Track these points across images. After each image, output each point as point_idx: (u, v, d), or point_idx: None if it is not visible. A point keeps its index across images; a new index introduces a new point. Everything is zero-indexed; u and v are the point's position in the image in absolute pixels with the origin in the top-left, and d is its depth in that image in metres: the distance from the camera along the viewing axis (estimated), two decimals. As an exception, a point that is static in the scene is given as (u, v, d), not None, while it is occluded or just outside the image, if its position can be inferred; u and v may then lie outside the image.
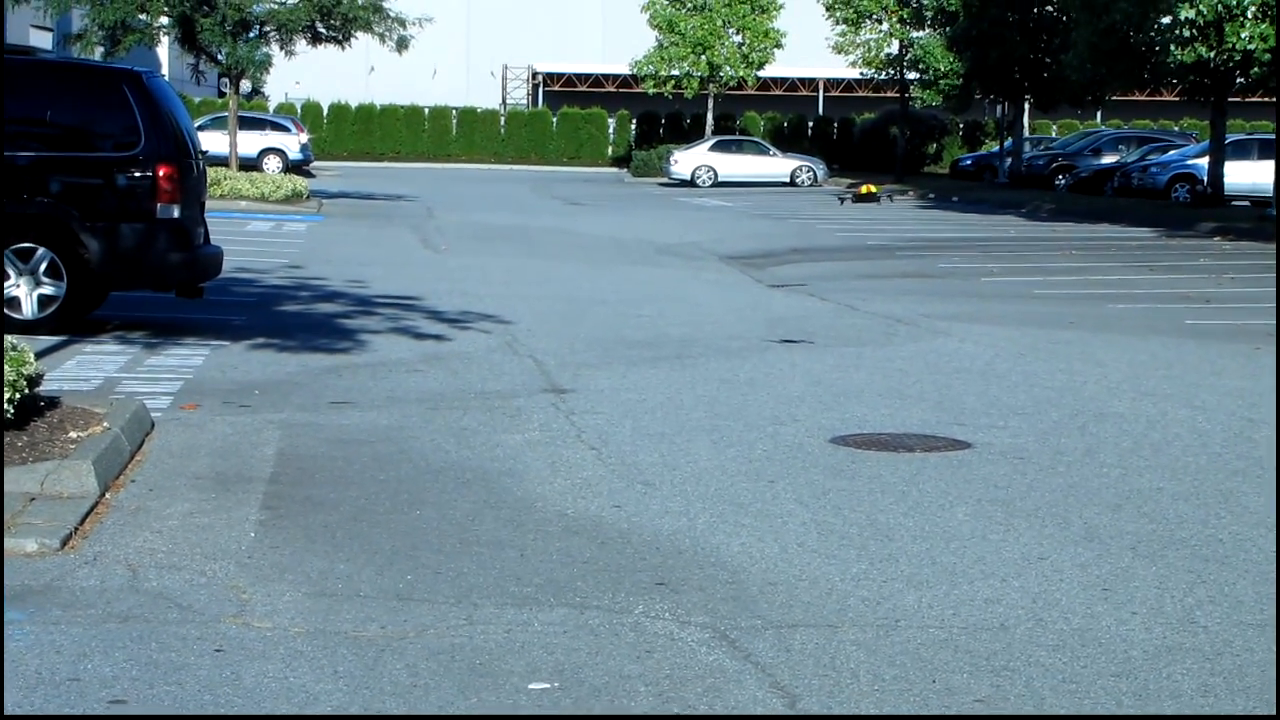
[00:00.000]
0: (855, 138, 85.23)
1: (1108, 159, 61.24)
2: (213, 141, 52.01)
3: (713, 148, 69.76)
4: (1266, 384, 15.81)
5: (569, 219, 43.33)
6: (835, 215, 47.56)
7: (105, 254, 16.97)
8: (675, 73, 74.59)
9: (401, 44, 44.84)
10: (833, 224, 43.22)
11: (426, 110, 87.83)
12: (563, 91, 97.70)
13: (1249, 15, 39.70)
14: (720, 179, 67.42)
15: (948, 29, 63.00)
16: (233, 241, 25.65)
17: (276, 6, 44.52)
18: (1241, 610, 8.16)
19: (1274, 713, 6.75)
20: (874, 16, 69.77)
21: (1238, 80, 44.60)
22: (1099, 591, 8.44)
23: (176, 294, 17.96)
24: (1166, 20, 42.02)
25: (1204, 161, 50.01)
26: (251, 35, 44.49)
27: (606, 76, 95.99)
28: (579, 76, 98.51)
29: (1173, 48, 41.23)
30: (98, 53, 42.52)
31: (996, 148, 71.06)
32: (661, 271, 28.29)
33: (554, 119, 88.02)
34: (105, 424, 11.00)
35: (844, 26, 70.38)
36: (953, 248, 35.03)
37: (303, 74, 79.31)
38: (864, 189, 56.20)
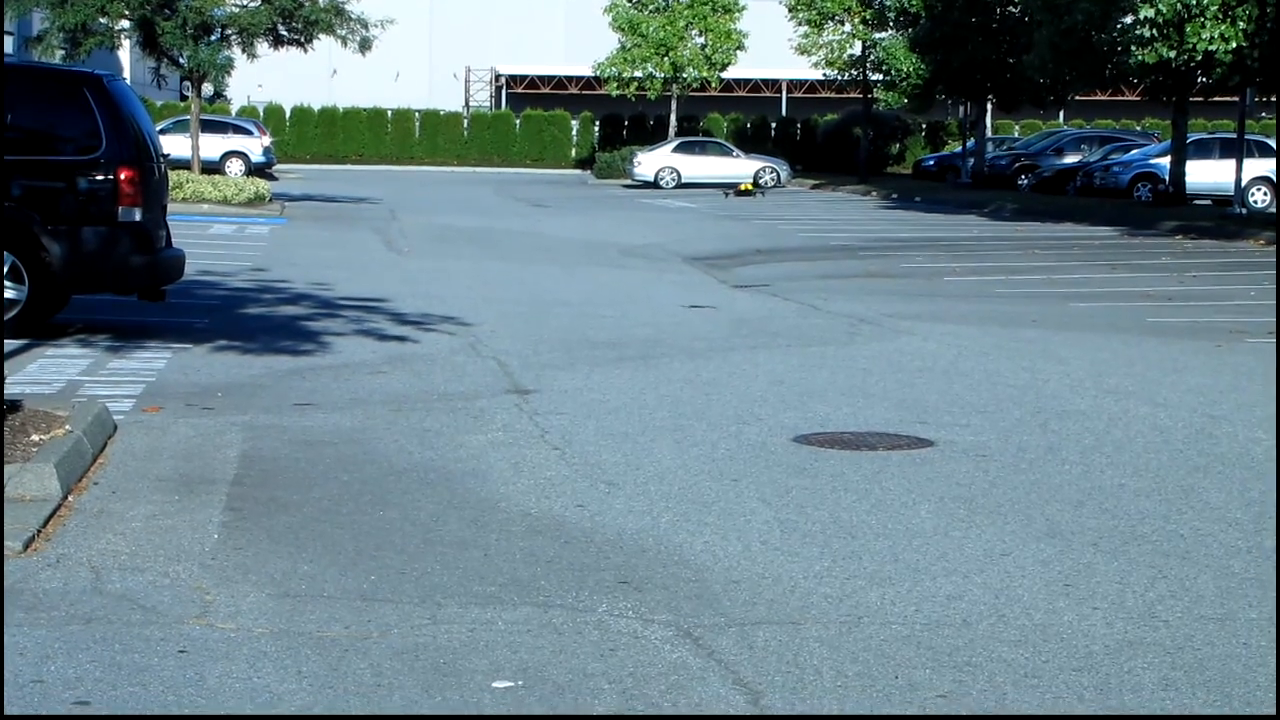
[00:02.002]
0: (818, 139, 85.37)
1: (1070, 159, 61.46)
2: (175, 145, 51.92)
3: (676, 149, 69.76)
4: (1227, 381, 15.89)
5: (532, 221, 43.32)
6: (799, 216, 47.61)
7: (67, 257, 16.92)
8: (638, 74, 74.64)
9: (364, 45, 44.77)
10: (796, 225, 43.28)
11: (389, 113, 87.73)
12: (526, 93, 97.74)
13: (1209, 15, 39.85)
14: (684, 180, 67.43)
15: (910, 30, 63.13)
16: (195, 244, 25.58)
17: (238, 9, 44.41)
18: (1202, 605, 8.20)
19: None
20: (836, 18, 69.85)
21: (1199, 80, 44.77)
22: (1061, 587, 8.48)
23: (139, 297, 17.92)
24: (1128, 20, 42.15)
25: (1166, 161, 50.19)
26: (213, 38, 44.39)
27: (570, 78, 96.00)
28: (542, 78, 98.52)
29: (1134, 48, 41.35)
30: (58, 55, 42.38)
31: (959, 148, 71.24)
32: (625, 273, 28.31)
33: (517, 121, 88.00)
34: (67, 427, 10.97)
35: (806, 28, 70.45)
36: (915, 247, 35.12)
37: (265, 77, 79.12)
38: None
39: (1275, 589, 8.43)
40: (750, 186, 63.15)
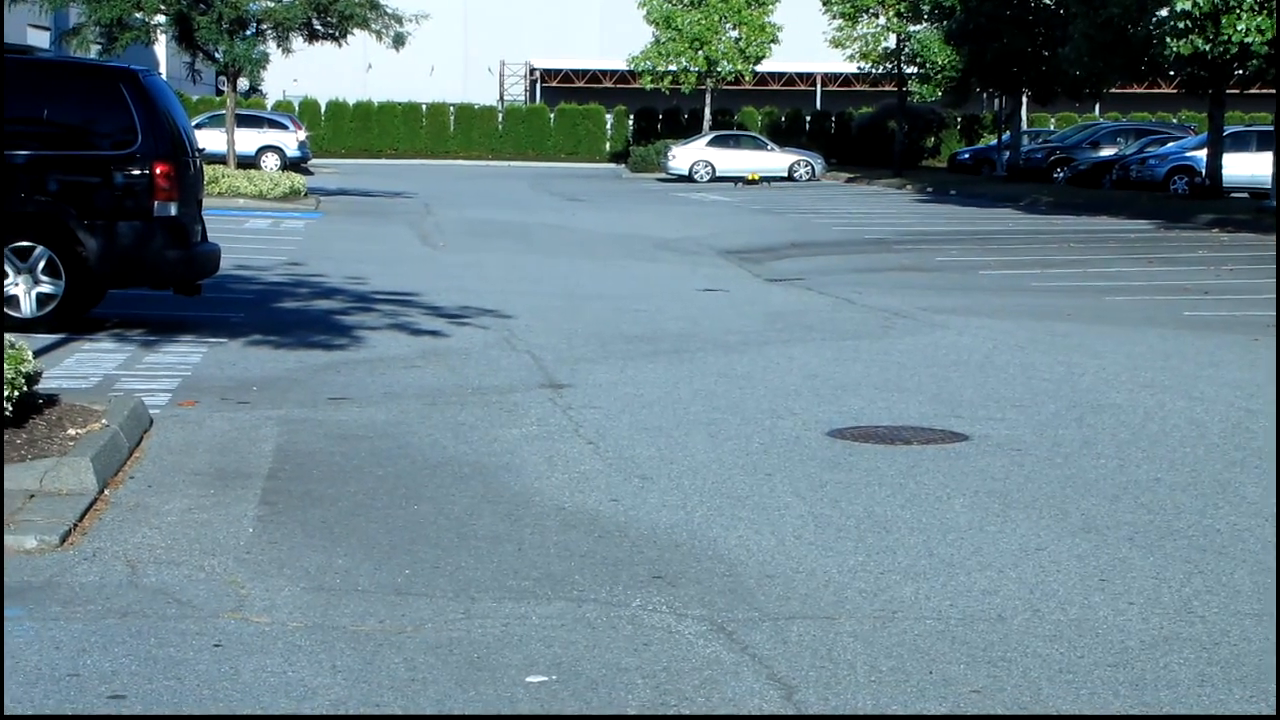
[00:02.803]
0: (853, 132, 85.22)
1: (1106, 152, 61.27)
2: (211, 139, 52.11)
3: (710, 143, 69.72)
4: (1265, 375, 15.82)
5: (567, 215, 43.34)
6: (834, 209, 47.55)
7: (103, 252, 16.98)
8: (672, 68, 74.70)
9: (398, 41, 44.80)
10: (831, 218, 43.23)
11: (424, 107, 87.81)
12: (560, 87, 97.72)
13: (1245, 7, 39.68)
14: (718, 174, 67.39)
15: (945, 23, 63.01)
16: (231, 239, 25.65)
17: (273, 4, 44.47)
18: (1239, 600, 8.17)
19: (1274, 712, 6.75)
20: (871, 11, 69.78)
21: (1235, 72, 44.59)
22: (1096, 582, 8.45)
23: (174, 291, 17.97)
24: (1164, 12, 42.00)
25: (1202, 154, 50.02)
26: (248, 33, 44.45)
27: (604, 72, 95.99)
28: (576, 72, 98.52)
29: (1169, 40, 41.21)
30: (94, 50, 42.49)
31: (994, 141, 71.08)
32: (659, 266, 28.30)
33: (551, 115, 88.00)
34: (104, 421, 11.01)
35: (841, 21, 70.39)
36: (950, 241, 35.05)
37: (300, 72, 79.39)
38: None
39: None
40: (756, 177, 65.01)
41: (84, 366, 15.05)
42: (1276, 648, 7.44)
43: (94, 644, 7.18)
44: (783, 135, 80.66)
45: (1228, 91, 46.69)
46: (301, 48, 46.69)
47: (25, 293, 17.00)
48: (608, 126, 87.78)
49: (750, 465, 11.28)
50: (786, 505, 10.08)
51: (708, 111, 77.85)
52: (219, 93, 77.31)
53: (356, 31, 45.31)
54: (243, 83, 49.75)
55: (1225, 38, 40.02)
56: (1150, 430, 12.81)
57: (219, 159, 48.07)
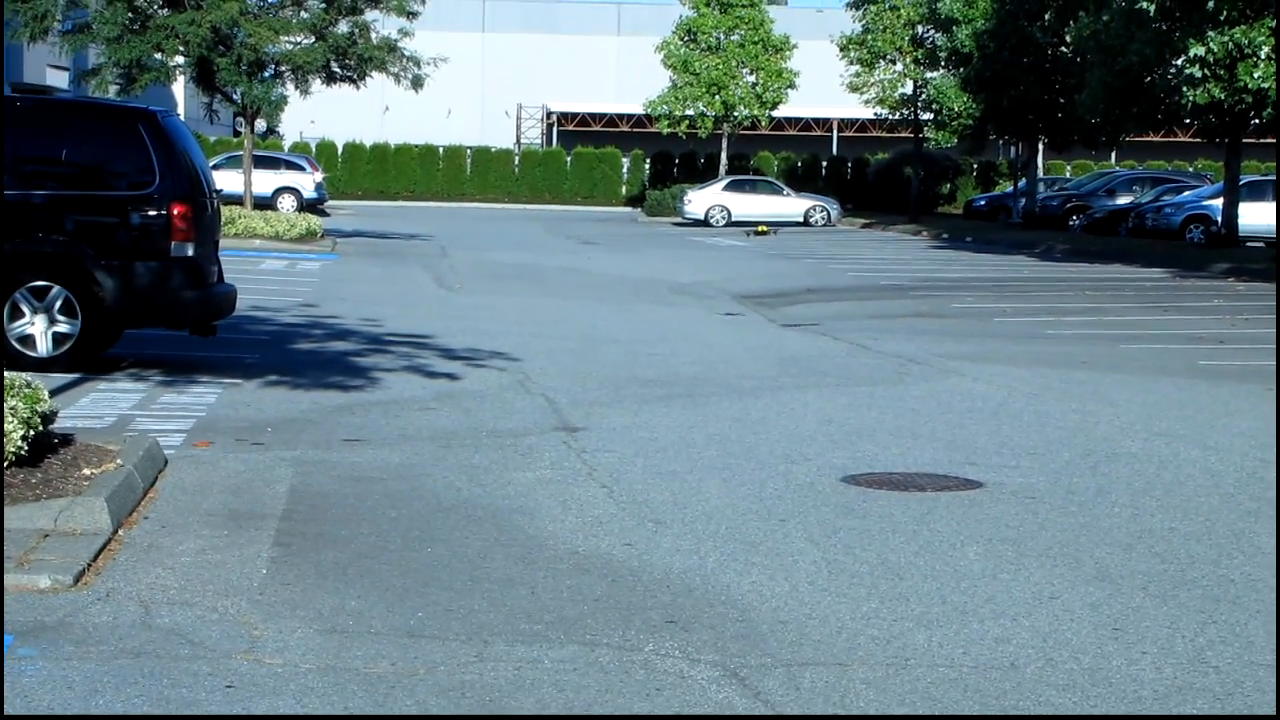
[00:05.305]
0: (869, 177, 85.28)
1: (1122, 200, 61.30)
2: (228, 180, 52.24)
3: (726, 187, 69.77)
4: (1279, 424, 15.79)
5: (582, 258, 43.38)
6: (849, 255, 47.56)
7: (120, 292, 17.02)
8: (689, 112, 74.88)
9: (416, 83, 44.93)
10: (846, 264, 43.25)
11: (441, 149, 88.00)
12: (577, 131, 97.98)
13: (1261, 55, 39.72)
14: (734, 219, 67.42)
15: (962, 70, 63.09)
16: (247, 280, 25.70)
17: (292, 46, 44.63)
18: (1253, 650, 8.15)
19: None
20: (888, 57, 69.89)
21: (1251, 121, 44.62)
22: (1109, 631, 8.44)
23: (190, 332, 18.02)
24: (1180, 61, 42.04)
25: (1218, 202, 50.01)
26: (267, 75, 44.61)
27: (621, 116, 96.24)
28: (593, 116, 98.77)
29: (1186, 89, 41.26)
30: (113, 91, 42.64)
31: (1010, 188, 71.11)
32: (674, 311, 28.31)
33: (568, 158, 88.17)
34: (118, 461, 11.03)
35: (858, 67, 70.50)
36: (966, 288, 35.04)
37: (318, 113, 79.58)
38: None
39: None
40: (765, 228, 63.32)
41: (99, 406, 15.07)
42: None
43: (106, 684, 7.19)
44: (799, 180, 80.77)
45: (1244, 140, 46.71)
46: (320, 89, 46.85)
47: (42, 332, 17.05)
48: (624, 170, 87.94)
49: (764, 510, 11.28)
50: (800, 551, 10.08)
51: (724, 156, 78.01)
52: (236, 133, 77.57)
53: (375, 74, 45.51)
54: (260, 124, 49.90)
55: (1241, 84, 40.03)
56: (1164, 479, 12.79)
57: (236, 200, 48.21)
